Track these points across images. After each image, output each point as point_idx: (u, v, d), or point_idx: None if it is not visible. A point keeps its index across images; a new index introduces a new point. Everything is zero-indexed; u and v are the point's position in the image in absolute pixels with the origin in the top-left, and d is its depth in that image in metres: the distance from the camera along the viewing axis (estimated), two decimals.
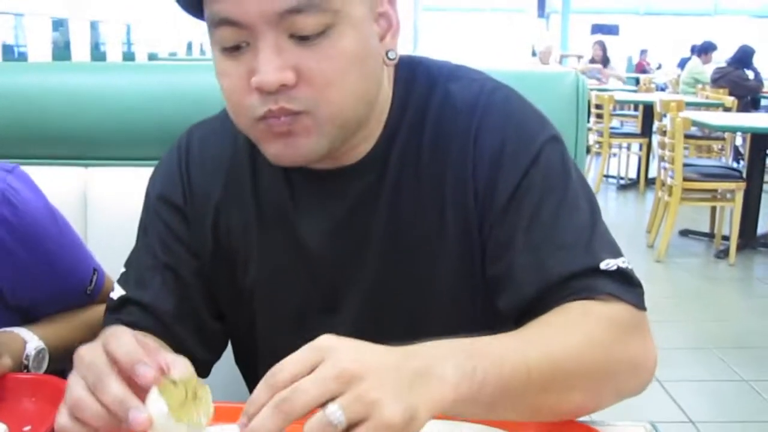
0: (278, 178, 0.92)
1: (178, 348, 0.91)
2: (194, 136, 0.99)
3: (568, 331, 0.76)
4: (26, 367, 0.91)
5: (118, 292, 0.94)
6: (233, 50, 0.78)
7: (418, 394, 0.62)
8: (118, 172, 1.26)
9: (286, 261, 0.93)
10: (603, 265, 0.81)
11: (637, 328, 0.81)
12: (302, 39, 0.76)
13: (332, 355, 0.61)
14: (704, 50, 8.93)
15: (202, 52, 5.40)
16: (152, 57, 4.11)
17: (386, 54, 0.84)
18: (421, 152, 0.89)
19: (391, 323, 0.91)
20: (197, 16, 0.82)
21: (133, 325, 0.88)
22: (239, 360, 1.06)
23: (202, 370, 0.97)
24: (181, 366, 0.65)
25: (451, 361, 0.66)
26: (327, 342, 0.63)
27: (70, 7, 2.99)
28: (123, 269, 0.96)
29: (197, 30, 5.23)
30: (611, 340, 0.77)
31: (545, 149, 0.87)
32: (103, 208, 1.23)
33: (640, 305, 0.81)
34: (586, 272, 0.81)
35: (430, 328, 0.86)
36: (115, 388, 0.62)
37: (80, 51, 3.08)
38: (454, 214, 0.89)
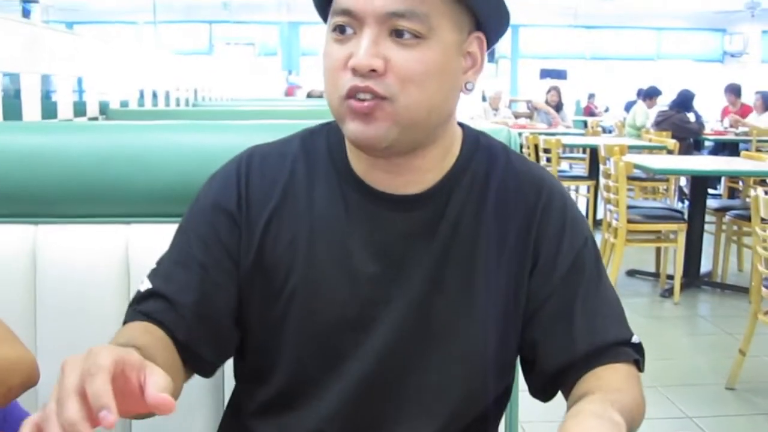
0: (335, 195, 1.01)
1: (188, 344, 0.96)
2: (255, 153, 1.06)
3: (630, 392, 0.94)
4: None
5: (145, 286, 1.00)
6: (341, 35, 0.92)
7: None
8: (68, 229, 1.27)
9: (330, 275, 1.00)
10: (634, 339, 1.01)
11: None
12: (399, 37, 0.90)
13: None
14: (649, 95, 9.22)
15: (154, 97, 5.42)
16: (104, 106, 4.11)
17: (465, 85, 0.98)
18: (485, 204, 1.02)
19: (417, 356, 1.00)
20: (322, 17, 0.98)
21: (150, 315, 0.97)
22: (245, 371, 1.08)
23: (206, 371, 1.02)
24: (157, 378, 0.70)
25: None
26: None
27: (22, 61, 3.00)
28: (155, 266, 1.02)
29: (148, 78, 5.25)
30: (642, 399, 0.97)
31: (590, 235, 1.06)
32: (53, 266, 1.24)
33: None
34: (624, 342, 1.00)
35: (448, 370, 1.01)
36: (72, 411, 0.65)
37: (31, 105, 3.09)
38: (507, 270, 1.01)
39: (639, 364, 1.01)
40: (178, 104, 6.06)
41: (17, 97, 3.03)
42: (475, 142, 1.06)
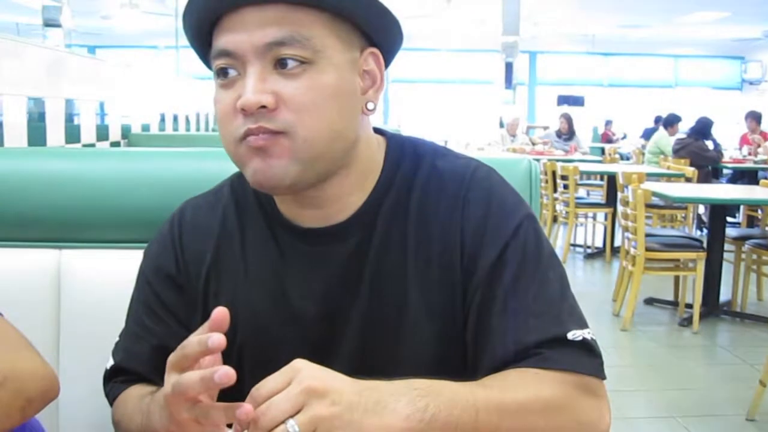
0: (267, 240, 0.99)
1: None
2: (187, 208, 1.06)
3: (519, 387, 0.85)
4: None
5: (110, 362, 1.04)
6: (226, 79, 0.88)
7: (368, 420, 0.74)
8: (92, 254, 1.29)
9: (274, 321, 0.98)
10: (570, 335, 0.90)
11: (590, 394, 0.89)
12: (284, 68, 0.85)
13: (299, 375, 0.74)
14: (670, 122, 9.18)
15: (175, 121, 5.47)
16: (126, 130, 4.16)
17: (366, 105, 0.93)
18: (408, 215, 0.97)
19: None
20: (206, 63, 0.93)
21: (129, 383, 1.01)
22: None
23: None
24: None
25: (406, 397, 0.77)
26: (298, 364, 0.76)
27: (45, 86, 3.05)
28: (117, 339, 1.06)
29: (169, 103, 5.31)
30: (559, 402, 0.86)
31: (523, 224, 0.95)
32: (77, 291, 1.26)
33: (598, 375, 0.90)
34: (555, 341, 0.89)
35: None
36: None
37: (55, 129, 3.13)
38: (440, 275, 0.95)
39: (579, 366, 0.88)
40: (198, 128, 6.11)
41: (42, 121, 3.07)
42: (399, 150, 1.00)
